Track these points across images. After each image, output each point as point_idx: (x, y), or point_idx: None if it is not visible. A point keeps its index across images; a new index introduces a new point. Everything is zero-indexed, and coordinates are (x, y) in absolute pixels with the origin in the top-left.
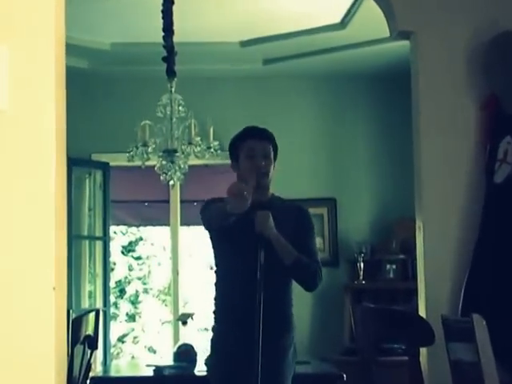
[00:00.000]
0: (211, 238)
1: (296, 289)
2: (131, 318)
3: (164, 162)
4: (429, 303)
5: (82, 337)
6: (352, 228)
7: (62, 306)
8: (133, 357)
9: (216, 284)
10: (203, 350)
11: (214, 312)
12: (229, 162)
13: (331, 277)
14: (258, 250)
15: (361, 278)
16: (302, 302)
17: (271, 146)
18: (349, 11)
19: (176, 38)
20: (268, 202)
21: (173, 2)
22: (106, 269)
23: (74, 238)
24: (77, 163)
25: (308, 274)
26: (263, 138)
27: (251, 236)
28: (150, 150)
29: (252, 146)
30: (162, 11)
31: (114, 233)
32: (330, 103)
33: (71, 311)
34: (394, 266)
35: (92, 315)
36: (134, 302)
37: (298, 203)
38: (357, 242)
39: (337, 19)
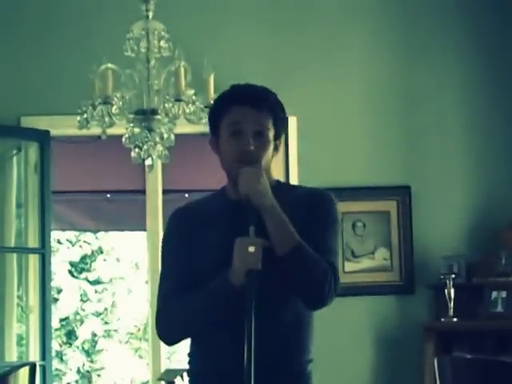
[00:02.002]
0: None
1: (348, 327)
2: (85, 376)
3: (137, 130)
4: None
5: None
6: (436, 234)
7: None
8: None
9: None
10: None
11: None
12: None
13: (404, 311)
14: (246, 224)
15: (450, 312)
16: (359, 347)
17: (271, 118)
18: None
19: None
20: None
21: None
22: (45, 299)
23: None
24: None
25: (312, 275)
26: (258, 105)
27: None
28: (114, 110)
29: (238, 118)
30: None
31: (58, 242)
32: (403, 36)
33: None
34: (503, 294)
35: (24, 372)
36: (90, 351)
37: (320, 189)
38: (444, 256)
39: None
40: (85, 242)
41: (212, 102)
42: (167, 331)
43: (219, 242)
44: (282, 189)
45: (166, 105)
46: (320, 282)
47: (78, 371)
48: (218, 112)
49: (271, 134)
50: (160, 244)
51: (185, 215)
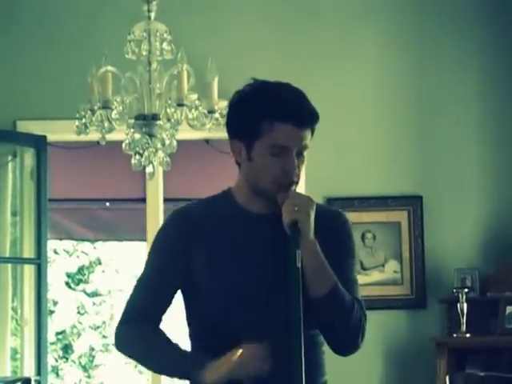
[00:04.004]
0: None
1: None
2: None
3: (137, 136)
4: None
5: None
6: (449, 246)
7: None
8: None
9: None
10: None
11: None
12: None
13: (415, 326)
14: (291, 251)
15: (463, 328)
16: (368, 364)
17: (311, 135)
18: None
19: None
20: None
21: None
22: (41, 312)
23: None
24: None
25: (348, 321)
26: (305, 124)
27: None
28: (114, 114)
29: (285, 138)
30: None
31: (55, 252)
32: (418, 39)
33: None
34: None
35: None
36: (87, 366)
37: (335, 209)
38: (457, 268)
39: None
40: (82, 252)
41: (216, 106)
42: (124, 353)
43: (230, 255)
44: None
45: (168, 110)
46: (356, 329)
47: None
48: (253, 122)
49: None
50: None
51: (184, 221)
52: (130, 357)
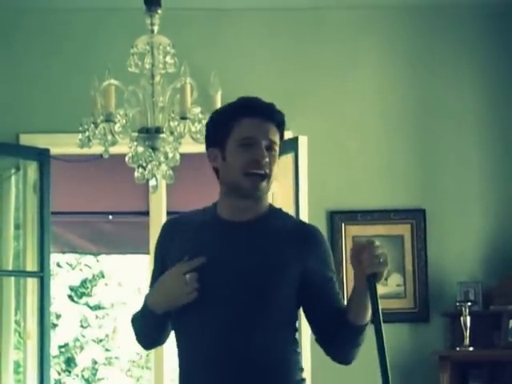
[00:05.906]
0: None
1: (359, 355)
2: None
3: (141, 149)
4: None
5: None
6: (452, 259)
7: None
8: None
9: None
10: None
11: None
12: None
13: (418, 339)
14: (373, 308)
15: (466, 341)
16: (370, 378)
17: (278, 133)
18: None
19: None
20: (257, 221)
21: None
22: (44, 325)
23: None
24: None
25: (361, 345)
26: (269, 118)
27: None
28: (117, 128)
29: (251, 130)
30: None
31: (58, 265)
32: (418, 54)
33: None
34: None
35: None
36: (90, 379)
37: (309, 224)
38: (460, 281)
39: None
40: (85, 265)
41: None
42: (136, 337)
43: (192, 254)
44: (273, 217)
45: (171, 123)
46: (360, 350)
47: None
48: (225, 124)
49: (277, 149)
50: None
51: (172, 226)
52: (139, 338)
